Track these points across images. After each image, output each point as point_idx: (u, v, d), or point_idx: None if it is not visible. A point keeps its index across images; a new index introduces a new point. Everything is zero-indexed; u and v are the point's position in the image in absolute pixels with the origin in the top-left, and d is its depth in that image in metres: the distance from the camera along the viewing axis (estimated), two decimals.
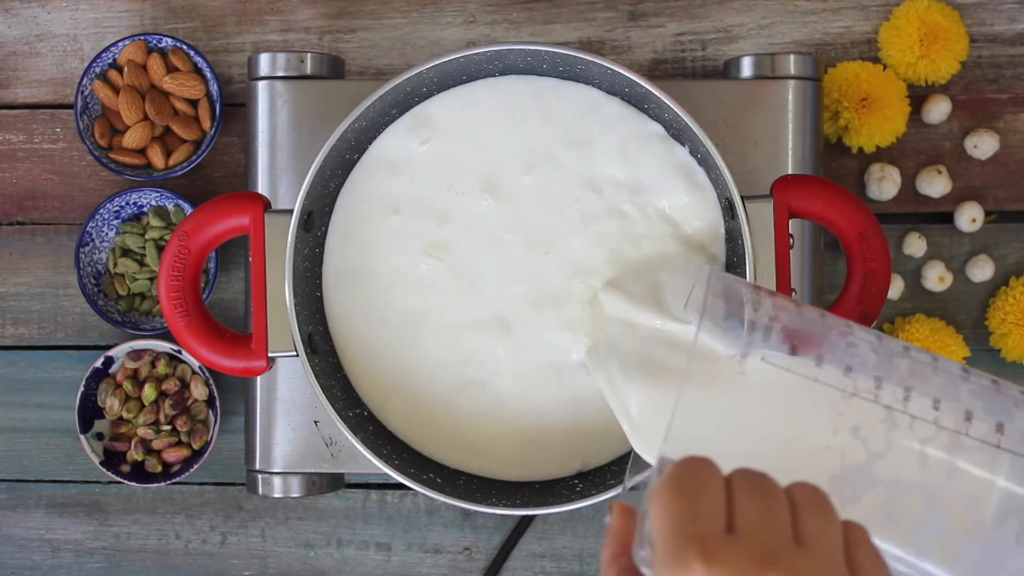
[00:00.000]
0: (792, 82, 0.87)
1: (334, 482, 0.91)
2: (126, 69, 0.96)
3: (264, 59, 0.88)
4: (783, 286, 0.76)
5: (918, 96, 0.96)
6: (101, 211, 0.96)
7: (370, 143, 0.82)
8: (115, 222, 0.97)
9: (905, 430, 0.54)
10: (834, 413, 0.55)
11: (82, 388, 0.95)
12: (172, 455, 0.95)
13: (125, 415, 0.95)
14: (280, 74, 0.88)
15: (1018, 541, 0.52)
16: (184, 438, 0.95)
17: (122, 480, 0.94)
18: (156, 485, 0.95)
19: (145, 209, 0.97)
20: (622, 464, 0.79)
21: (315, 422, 0.87)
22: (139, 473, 0.95)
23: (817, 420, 0.55)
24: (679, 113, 0.76)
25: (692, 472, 0.49)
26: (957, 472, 0.54)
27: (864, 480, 0.54)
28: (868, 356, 0.56)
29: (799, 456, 0.54)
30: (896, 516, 0.54)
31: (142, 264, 0.96)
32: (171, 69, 0.96)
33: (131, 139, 0.96)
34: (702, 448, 0.50)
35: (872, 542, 0.49)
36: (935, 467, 0.54)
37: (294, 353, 0.78)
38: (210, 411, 0.96)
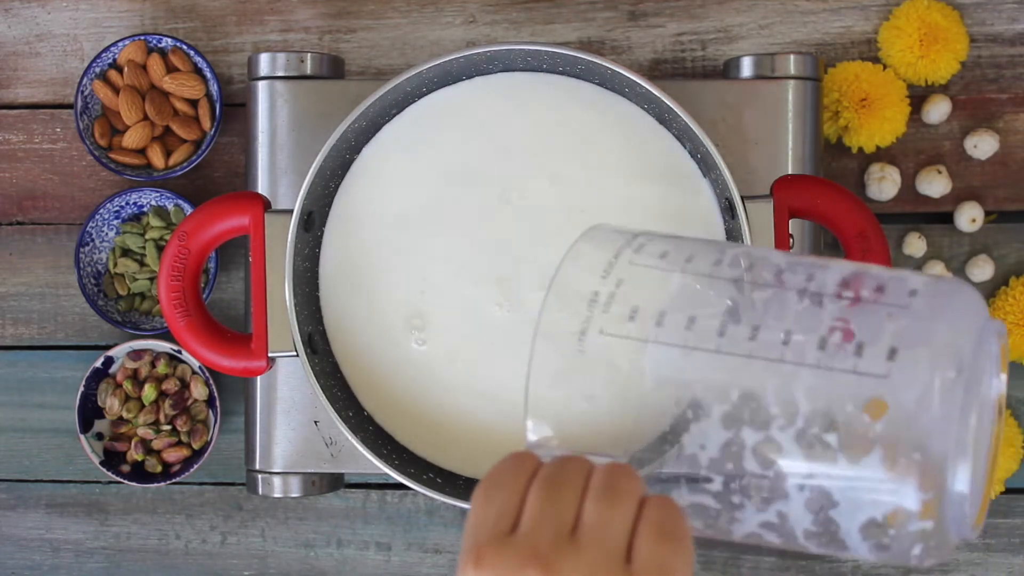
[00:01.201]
0: (792, 82, 0.87)
1: (334, 482, 0.91)
2: (126, 69, 0.96)
3: (264, 59, 0.88)
4: None
5: (918, 96, 0.96)
6: (101, 211, 0.96)
7: (368, 142, 0.83)
8: (115, 222, 0.97)
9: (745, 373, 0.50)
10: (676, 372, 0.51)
11: (82, 388, 0.95)
12: (172, 455, 0.95)
13: (125, 415, 0.95)
14: (280, 74, 0.88)
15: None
16: (184, 438, 0.95)
17: (122, 480, 0.94)
18: (156, 485, 0.95)
19: (145, 209, 0.97)
20: None
21: (315, 422, 0.87)
22: (139, 473, 0.95)
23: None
24: (679, 113, 0.76)
25: (497, 471, 0.47)
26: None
27: (701, 440, 0.50)
28: (719, 303, 0.51)
29: (644, 429, 0.51)
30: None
31: (142, 264, 0.96)
32: (171, 69, 0.96)
33: (131, 139, 0.96)
34: (553, 430, 0.48)
35: (671, 523, 0.45)
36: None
37: (294, 353, 0.78)
38: (210, 411, 0.96)
